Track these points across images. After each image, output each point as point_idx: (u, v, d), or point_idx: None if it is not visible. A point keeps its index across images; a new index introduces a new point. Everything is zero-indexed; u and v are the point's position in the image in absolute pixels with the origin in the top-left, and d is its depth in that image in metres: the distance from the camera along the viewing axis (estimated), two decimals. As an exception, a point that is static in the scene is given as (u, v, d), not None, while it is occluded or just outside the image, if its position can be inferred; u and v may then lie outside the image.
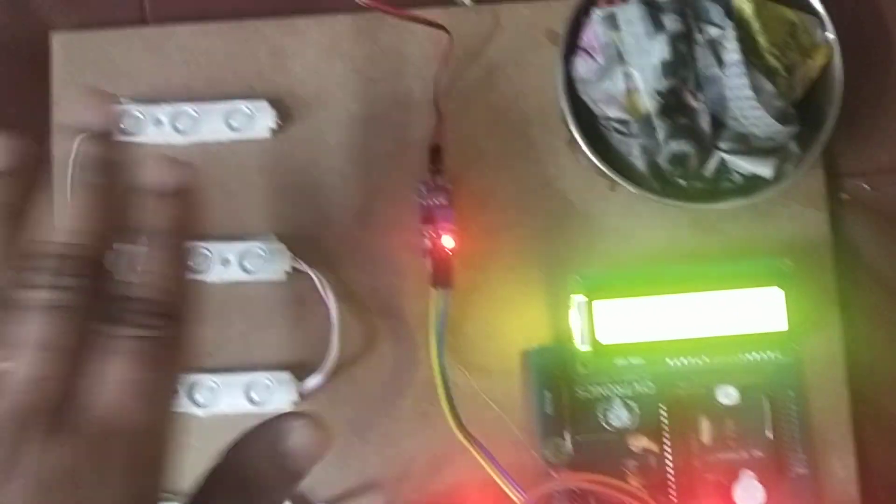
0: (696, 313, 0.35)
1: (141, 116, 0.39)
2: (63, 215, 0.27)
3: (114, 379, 0.25)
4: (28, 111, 0.40)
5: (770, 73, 0.34)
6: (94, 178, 0.28)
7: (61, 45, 0.40)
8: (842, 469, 0.37)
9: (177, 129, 0.39)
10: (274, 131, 0.39)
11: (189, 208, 0.29)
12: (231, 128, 0.39)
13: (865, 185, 0.39)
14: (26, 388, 0.24)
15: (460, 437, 0.35)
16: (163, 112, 0.39)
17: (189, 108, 0.39)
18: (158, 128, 0.39)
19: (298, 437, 0.27)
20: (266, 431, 0.28)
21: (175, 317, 0.27)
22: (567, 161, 0.39)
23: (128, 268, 0.27)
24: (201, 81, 0.40)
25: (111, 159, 0.28)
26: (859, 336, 0.38)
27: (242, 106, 0.39)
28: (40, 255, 0.26)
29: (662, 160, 0.35)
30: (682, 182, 0.35)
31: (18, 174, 0.27)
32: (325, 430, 0.28)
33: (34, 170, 0.28)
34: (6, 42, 0.41)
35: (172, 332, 0.27)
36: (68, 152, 0.28)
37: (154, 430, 0.26)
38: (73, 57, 0.40)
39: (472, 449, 0.35)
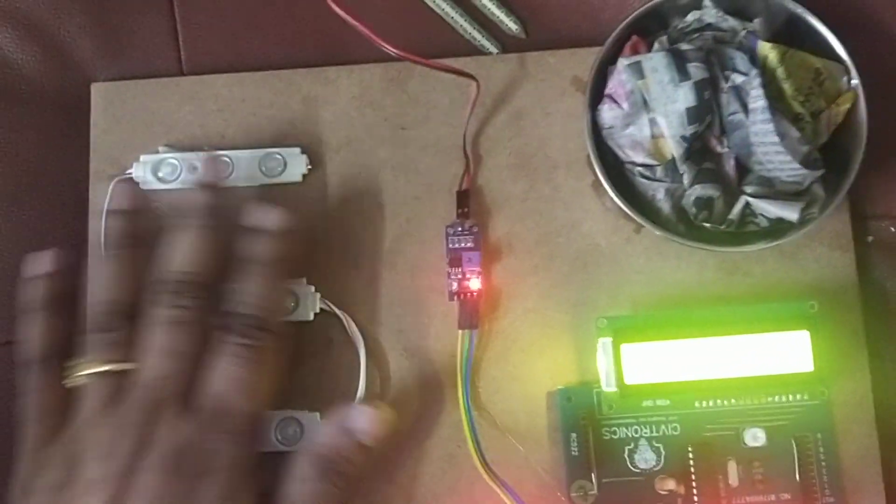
0: (722, 356, 0.35)
1: (177, 164, 0.40)
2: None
3: (222, 376, 0.34)
4: (68, 159, 0.41)
5: (795, 119, 0.34)
6: (200, 221, 0.36)
7: (100, 94, 0.41)
8: (873, 513, 0.37)
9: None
10: (305, 176, 0.40)
11: (286, 245, 0.37)
12: (264, 173, 0.40)
13: (891, 227, 0.39)
14: (153, 384, 0.33)
15: (486, 478, 0.35)
16: (199, 158, 0.40)
17: (224, 155, 0.40)
18: (194, 174, 0.40)
19: (361, 418, 0.35)
20: (331, 417, 0.36)
21: (270, 330, 0.35)
22: (592, 205, 0.40)
23: (236, 291, 0.35)
24: (235, 129, 0.41)
25: (217, 204, 0.37)
26: (888, 378, 0.38)
27: (275, 153, 0.40)
28: (164, 281, 0.35)
29: (687, 204, 0.36)
30: (707, 225, 0.36)
31: (138, 214, 0.38)
32: (382, 410, 0.36)
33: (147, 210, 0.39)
34: (49, 92, 0.42)
35: (268, 342, 0.35)
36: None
37: (251, 415, 0.34)
38: (111, 106, 0.41)
39: (498, 490, 0.35)
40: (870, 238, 0.39)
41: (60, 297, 0.37)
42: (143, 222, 0.38)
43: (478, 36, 0.42)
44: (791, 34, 0.37)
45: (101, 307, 0.35)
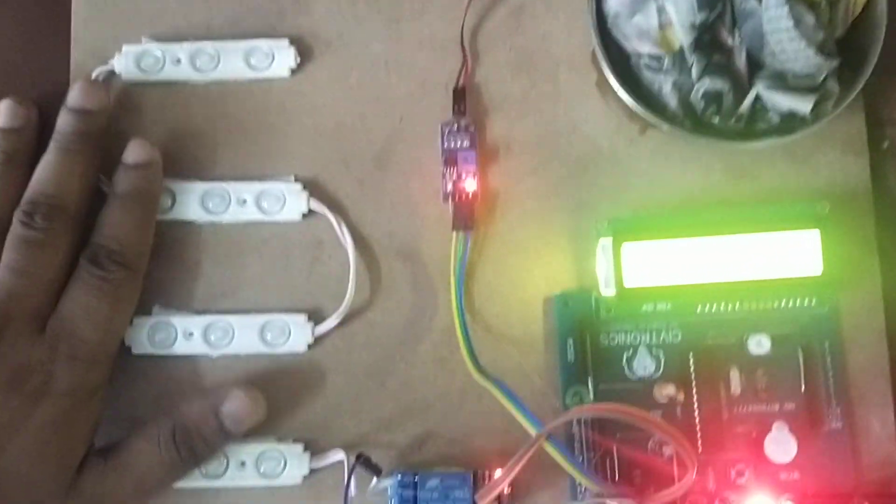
0: (728, 257, 0.33)
1: (160, 55, 0.38)
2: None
3: (73, 302, 0.34)
4: (49, 50, 0.39)
5: (811, 6, 0.32)
6: (74, 145, 0.36)
7: (82, -18, 0.39)
8: (879, 424, 0.35)
9: (195, 68, 0.38)
10: (293, 71, 0.38)
11: (148, 179, 0.36)
12: (250, 67, 0.38)
13: (908, 133, 0.38)
14: (7, 299, 0.33)
15: (476, 376, 0.34)
16: (182, 51, 0.38)
17: (209, 46, 0.38)
18: (177, 66, 0.38)
19: (234, 403, 0.34)
20: (210, 394, 0.35)
21: (125, 264, 0.34)
22: (595, 104, 0.38)
23: (98, 223, 0.35)
24: (222, 20, 0.39)
25: (89, 130, 0.36)
26: (898, 287, 0.36)
27: (262, 45, 0.38)
28: (29, 201, 0.34)
29: (695, 99, 0.34)
30: (715, 121, 0.34)
31: (20, 132, 0.36)
32: (257, 403, 0.35)
33: (33, 129, 0.37)
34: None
35: (122, 275, 0.34)
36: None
37: (99, 343, 0.34)
38: (93, -6, 0.39)
39: (488, 386, 0.34)
40: (885, 143, 0.38)
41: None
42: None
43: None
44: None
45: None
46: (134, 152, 0.36)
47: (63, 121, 0.36)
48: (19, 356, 0.32)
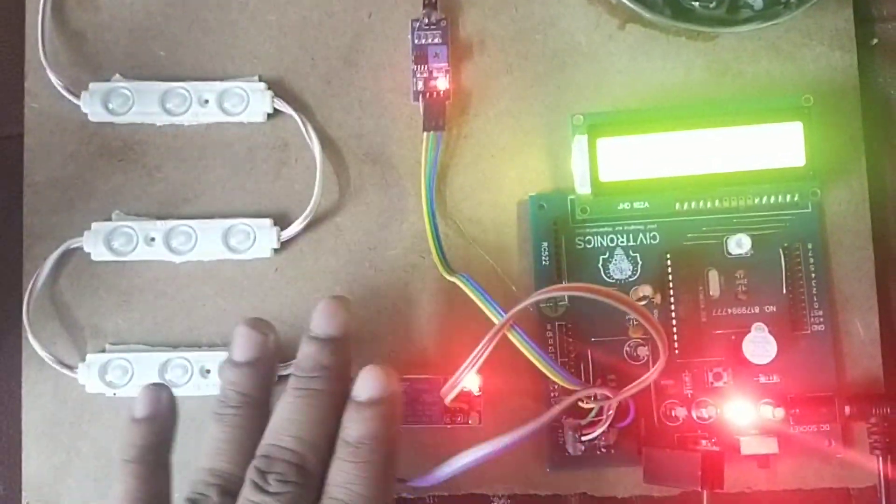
0: (708, 150, 0.32)
1: None
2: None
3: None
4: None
5: None
6: (316, 384, 0.30)
7: None
8: (863, 327, 0.34)
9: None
10: (258, -35, 0.37)
11: (388, 419, 0.29)
12: (213, -38, 0.36)
13: (898, 29, 0.36)
14: None
15: (444, 272, 0.33)
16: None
17: (168, -61, 0.36)
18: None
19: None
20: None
21: (386, 441, 0.29)
22: (572, -2, 0.36)
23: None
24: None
25: (333, 364, 0.30)
26: (886, 188, 0.35)
27: (225, -62, 0.36)
28: (263, 455, 0.29)
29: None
30: (696, 5, 0.32)
31: (255, 366, 0.31)
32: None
33: (270, 359, 0.31)
34: None
35: (385, 453, 0.29)
36: None
37: None
38: None
39: (456, 280, 0.32)
40: (874, 41, 0.36)
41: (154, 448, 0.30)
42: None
43: None
44: None
45: (201, 475, 0.29)
46: (368, 385, 0.30)
47: (304, 353, 0.30)
48: None
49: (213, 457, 0.29)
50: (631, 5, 0.32)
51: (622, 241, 0.34)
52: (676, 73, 0.35)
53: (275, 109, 0.36)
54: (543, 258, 0.34)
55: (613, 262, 0.34)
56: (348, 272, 0.35)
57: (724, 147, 0.32)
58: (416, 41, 0.36)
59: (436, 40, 0.36)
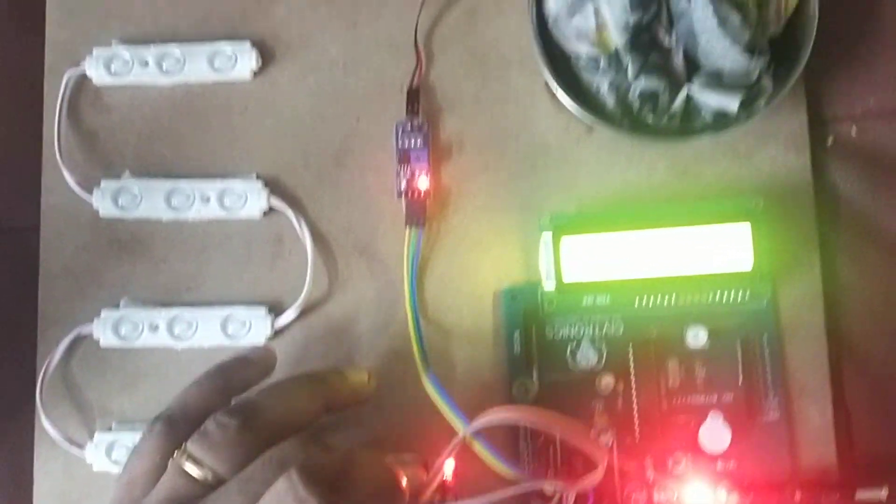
0: (662, 250, 0.34)
1: (129, 58, 0.40)
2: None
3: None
4: (23, 53, 0.41)
5: (737, 6, 0.33)
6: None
7: (56, -7, 0.41)
8: (818, 415, 0.36)
9: (162, 70, 0.40)
10: (255, 73, 0.40)
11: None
12: (214, 69, 0.40)
13: (852, 130, 0.38)
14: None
15: (421, 370, 0.36)
16: (150, 53, 0.40)
17: (175, 49, 0.40)
18: (144, 69, 0.40)
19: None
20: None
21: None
22: (544, 104, 0.39)
23: None
24: (187, 22, 0.41)
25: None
26: (840, 281, 0.37)
27: (226, 47, 0.40)
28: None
29: (633, 98, 0.35)
30: (650, 119, 0.35)
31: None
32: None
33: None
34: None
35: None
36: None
37: None
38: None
39: (424, 382, 0.35)
40: (830, 140, 0.38)
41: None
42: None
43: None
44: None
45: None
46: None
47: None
48: None
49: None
50: (590, 119, 0.35)
51: (588, 332, 0.36)
52: (640, 173, 0.38)
53: (270, 207, 0.39)
54: (515, 347, 0.37)
55: (580, 351, 0.36)
56: (337, 358, 0.38)
57: (678, 247, 0.34)
58: (399, 144, 0.38)
59: (418, 143, 0.38)
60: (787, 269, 0.36)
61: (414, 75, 0.39)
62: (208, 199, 0.39)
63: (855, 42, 0.39)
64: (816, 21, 0.34)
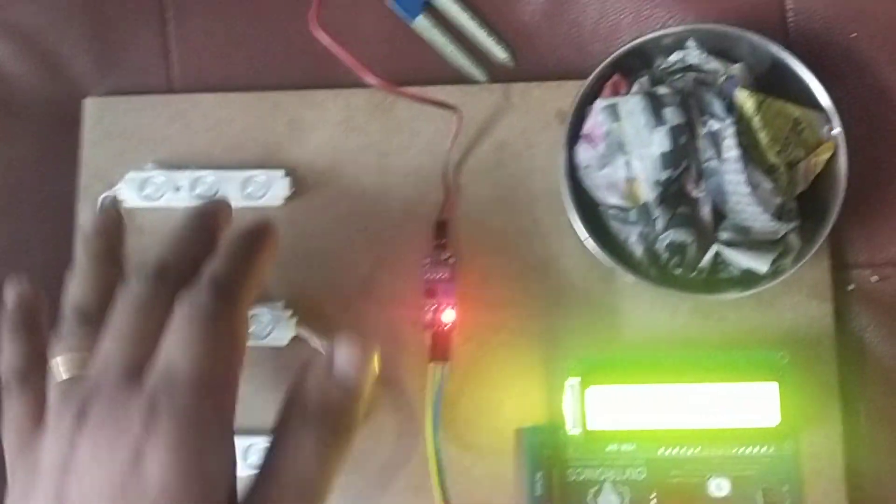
0: (689, 404, 0.35)
1: (162, 182, 0.41)
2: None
3: (170, 339, 0.30)
4: (58, 174, 0.42)
5: (769, 170, 0.34)
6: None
7: (92, 109, 0.42)
8: (837, 567, 0.36)
9: (195, 195, 0.40)
10: (287, 199, 0.40)
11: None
12: (247, 195, 0.40)
13: (873, 277, 0.39)
14: (96, 372, 0.30)
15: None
16: (184, 177, 0.41)
17: (209, 175, 0.41)
18: (177, 193, 0.41)
19: (344, 355, 0.33)
20: (318, 360, 0.33)
21: (233, 292, 0.31)
22: (571, 241, 0.39)
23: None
24: (222, 149, 0.41)
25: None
26: (860, 431, 0.37)
27: (259, 174, 0.40)
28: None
29: (660, 248, 0.35)
30: (677, 272, 0.35)
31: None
32: (366, 346, 0.33)
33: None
34: (41, 104, 0.43)
35: (228, 305, 0.31)
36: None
37: (202, 381, 0.29)
38: (102, 122, 0.42)
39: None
40: (850, 287, 0.39)
41: (33, 314, 0.36)
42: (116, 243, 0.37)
43: (465, 63, 0.41)
44: (775, 79, 0.36)
45: (65, 313, 0.34)
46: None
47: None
48: (114, 419, 0.29)
49: (72, 296, 0.34)
50: (618, 268, 0.35)
51: (610, 476, 0.37)
52: (664, 316, 0.38)
53: (296, 334, 0.39)
54: (537, 488, 0.37)
55: (602, 495, 0.37)
56: (357, 490, 0.38)
57: (704, 402, 0.34)
58: (426, 276, 0.39)
59: (444, 276, 0.39)
60: (808, 421, 0.36)
61: (443, 207, 0.40)
62: (235, 325, 0.39)
63: (876, 191, 0.39)
64: (846, 182, 0.35)
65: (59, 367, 0.32)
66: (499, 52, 0.42)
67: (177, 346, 0.30)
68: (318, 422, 0.31)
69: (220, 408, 0.30)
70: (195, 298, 0.31)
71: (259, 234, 0.34)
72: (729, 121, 0.33)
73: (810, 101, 0.36)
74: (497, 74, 0.42)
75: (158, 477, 0.28)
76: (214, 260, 0.32)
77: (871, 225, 0.39)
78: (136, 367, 0.30)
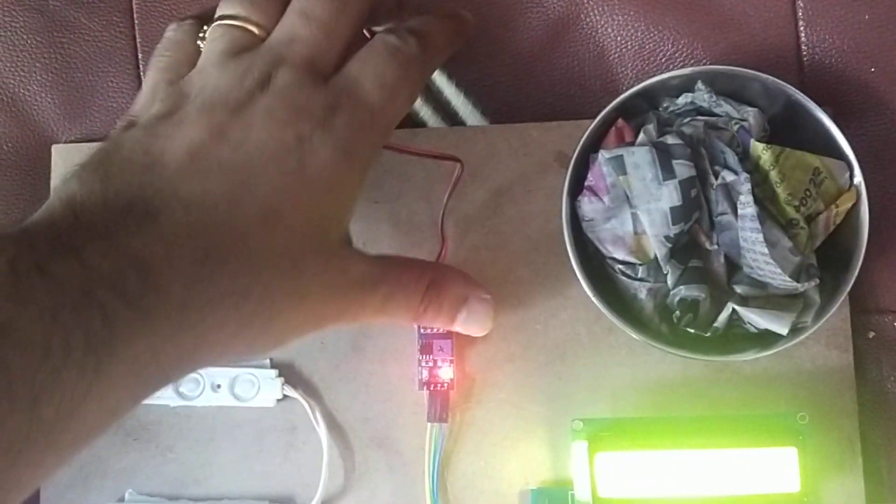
0: (703, 471, 0.32)
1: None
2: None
3: (366, 63, 0.31)
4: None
5: (788, 225, 0.32)
6: None
7: (61, 156, 0.40)
8: None
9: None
10: (271, 250, 0.38)
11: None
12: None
13: (894, 323, 0.37)
14: (279, 43, 0.30)
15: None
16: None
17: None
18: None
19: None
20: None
21: (428, 48, 0.32)
22: (574, 291, 0.37)
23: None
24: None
25: None
26: (882, 480, 0.35)
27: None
28: None
29: (672, 304, 0.33)
30: (691, 330, 0.33)
31: None
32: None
33: None
34: (8, 152, 0.40)
35: (419, 55, 0.31)
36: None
37: (380, 110, 0.30)
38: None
39: None
40: (871, 334, 0.37)
41: None
42: None
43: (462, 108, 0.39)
44: (790, 119, 0.34)
45: None
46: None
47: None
48: (297, 97, 0.29)
49: None
50: (627, 329, 0.33)
51: (621, 543, 0.35)
52: (674, 369, 0.36)
53: (284, 395, 0.37)
54: (544, 553, 0.35)
55: (612, 562, 0.34)
56: (352, 559, 0.36)
57: (720, 468, 0.32)
58: (422, 331, 0.37)
59: (441, 330, 0.37)
60: (829, 472, 0.35)
61: (438, 256, 0.37)
62: (219, 387, 0.37)
63: (894, 236, 0.37)
64: (867, 234, 0.32)
65: (232, 15, 0.31)
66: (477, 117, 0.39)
67: (371, 70, 0.30)
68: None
69: (380, 142, 0.31)
70: (399, 39, 0.31)
71: (463, 18, 0.34)
72: (744, 175, 0.31)
73: (826, 143, 0.33)
74: (494, 115, 0.39)
75: (316, 167, 0.29)
76: (420, 18, 0.33)
77: (891, 268, 0.37)
78: (320, 62, 0.30)
